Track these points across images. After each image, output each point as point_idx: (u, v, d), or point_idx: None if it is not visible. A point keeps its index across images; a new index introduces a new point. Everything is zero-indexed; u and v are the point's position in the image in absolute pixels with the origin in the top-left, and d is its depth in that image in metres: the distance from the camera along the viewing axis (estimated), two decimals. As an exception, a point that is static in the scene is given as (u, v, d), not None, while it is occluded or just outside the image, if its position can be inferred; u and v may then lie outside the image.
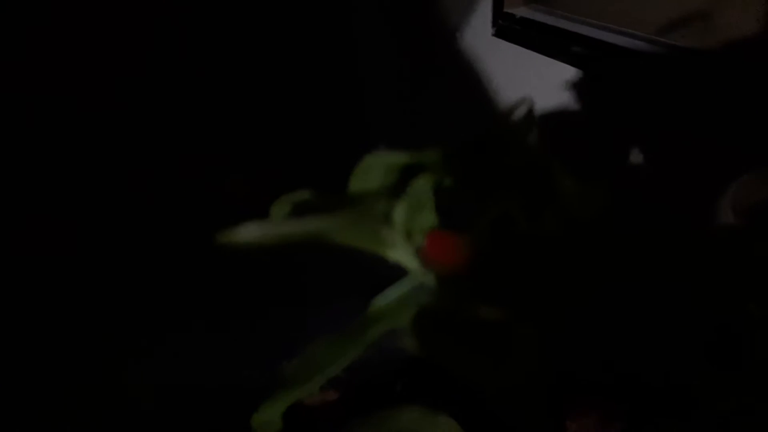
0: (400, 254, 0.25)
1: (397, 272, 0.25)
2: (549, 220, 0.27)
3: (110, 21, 1.04)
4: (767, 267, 0.27)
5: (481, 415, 0.31)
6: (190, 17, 1.10)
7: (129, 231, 1.09)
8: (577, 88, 0.90)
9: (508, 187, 0.29)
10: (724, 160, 0.62)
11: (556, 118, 0.95)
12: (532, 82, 0.99)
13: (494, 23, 1.00)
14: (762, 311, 0.26)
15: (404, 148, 0.27)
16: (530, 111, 0.30)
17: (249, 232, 0.20)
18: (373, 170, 0.26)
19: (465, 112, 1.16)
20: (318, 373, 0.24)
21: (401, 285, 0.25)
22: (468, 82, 1.13)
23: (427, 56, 1.21)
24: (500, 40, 1.02)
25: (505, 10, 0.99)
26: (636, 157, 0.81)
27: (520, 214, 0.29)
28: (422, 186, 0.26)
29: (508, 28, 0.99)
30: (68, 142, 1.05)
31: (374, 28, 1.28)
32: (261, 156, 1.21)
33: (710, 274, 0.27)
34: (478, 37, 1.06)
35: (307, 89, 1.22)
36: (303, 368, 0.25)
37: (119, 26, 1.05)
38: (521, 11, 0.98)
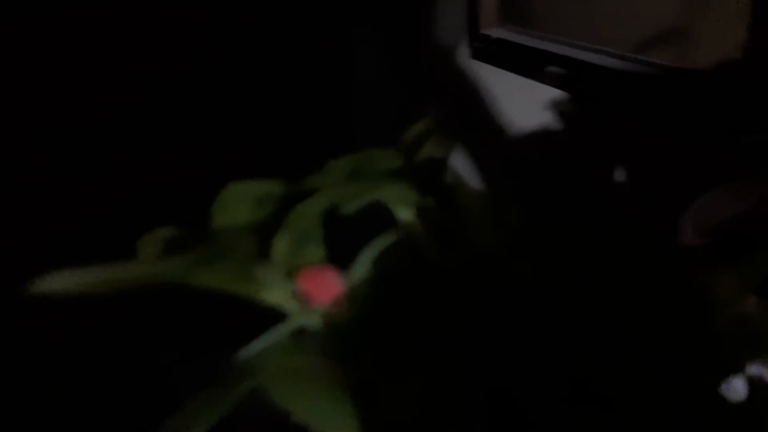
0: (277, 295, 0.22)
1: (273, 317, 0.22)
2: (460, 250, 0.24)
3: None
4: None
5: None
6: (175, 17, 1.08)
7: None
8: (556, 106, 0.88)
9: (416, 213, 0.25)
10: (689, 177, 0.59)
11: (536, 137, 0.93)
12: (514, 102, 0.96)
13: (471, 45, 0.98)
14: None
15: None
16: (438, 132, 0.27)
17: (60, 282, 0.17)
18: (240, 202, 0.22)
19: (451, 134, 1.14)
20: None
21: (274, 332, 0.22)
22: (452, 104, 1.11)
23: (415, 79, 1.20)
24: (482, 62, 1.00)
25: (481, 31, 0.97)
26: (614, 171, 0.78)
27: (428, 243, 0.25)
28: (308, 214, 0.23)
29: (484, 50, 0.97)
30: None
31: (370, 49, 1.26)
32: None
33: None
34: (461, 59, 1.04)
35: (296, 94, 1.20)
36: (174, 428, 0.22)
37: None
38: (497, 32, 0.96)
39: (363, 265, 0.22)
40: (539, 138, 0.92)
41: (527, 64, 0.91)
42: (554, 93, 0.88)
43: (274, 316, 0.22)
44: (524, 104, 0.94)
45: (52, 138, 1.05)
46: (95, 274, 0.18)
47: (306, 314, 0.22)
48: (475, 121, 1.02)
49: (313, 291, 0.22)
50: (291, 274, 0.22)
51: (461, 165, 1.07)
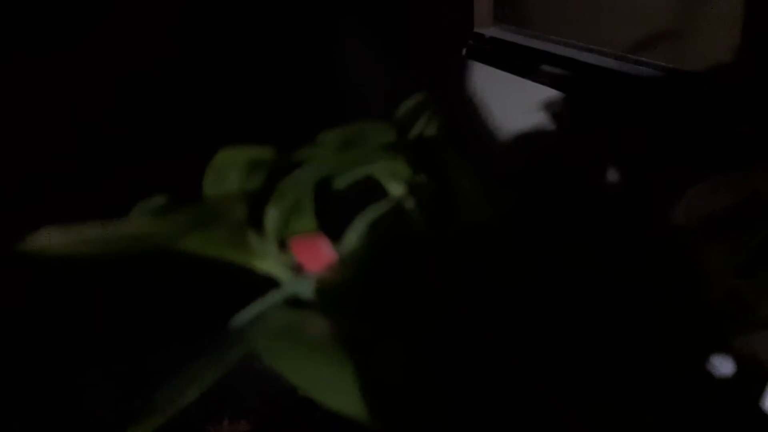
0: (270, 264, 0.22)
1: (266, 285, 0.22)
2: (449, 224, 0.24)
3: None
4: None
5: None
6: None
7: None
8: (550, 106, 0.88)
9: (407, 188, 0.25)
10: (679, 170, 0.59)
11: (530, 135, 0.93)
12: (508, 100, 0.97)
13: (465, 44, 0.99)
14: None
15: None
16: (431, 109, 0.27)
17: (49, 239, 0.17)
18: (231, 169, 0.22)
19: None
20: (177, 400, 0.21)
21: (267, 299, 0.22)
22: (445, 102, 1.11)
23: (407, 77, 1.20)
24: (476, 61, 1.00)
25: (475, 30, 0.97)
26: (608, 168, 0.78)
27: (418, 216, 0.25)
28: (300, 184, 0.23)
29: (478, 49, 0.97)
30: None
31: (361, 47, 1.26)
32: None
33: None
34: (455, 58, 1.04)
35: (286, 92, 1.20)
36: (166, 396, 0.22)
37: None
38: (491, 31, 0.96)
39: (355, 233, 0.22)
40: (533, 137, 0.92)
41: (521, 63, 0.91)
42: (548, 92, 0.88)
43: (266, 285, 0.22)
44: (518, 103, 0.94)
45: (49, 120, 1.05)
46: (87, 232, 0.18)
47: (298, 282, 0.22)
48: (468, 120, 1.03)
49: (305, 259, 0.22)
50: (282, 243, 0.23)
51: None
